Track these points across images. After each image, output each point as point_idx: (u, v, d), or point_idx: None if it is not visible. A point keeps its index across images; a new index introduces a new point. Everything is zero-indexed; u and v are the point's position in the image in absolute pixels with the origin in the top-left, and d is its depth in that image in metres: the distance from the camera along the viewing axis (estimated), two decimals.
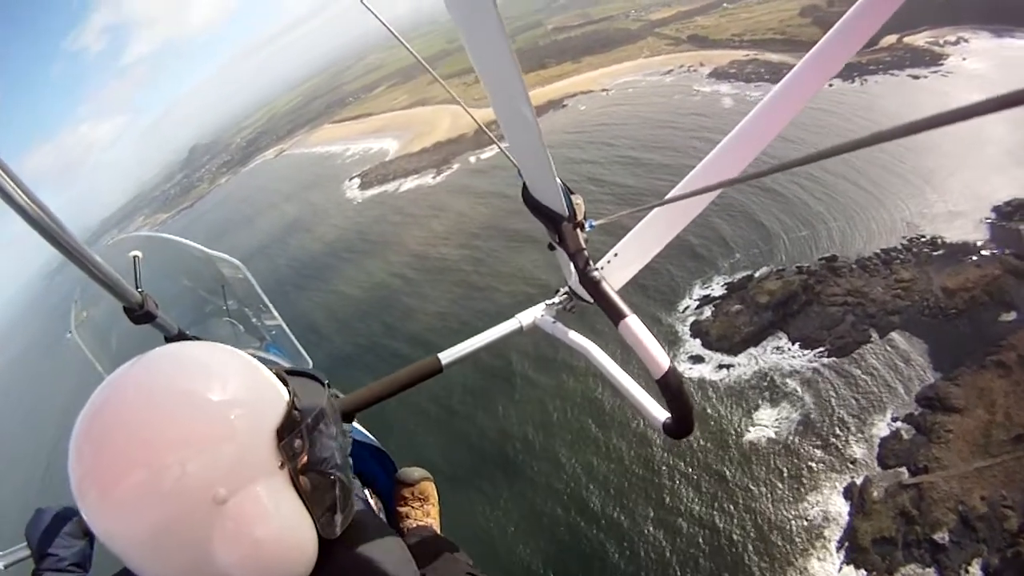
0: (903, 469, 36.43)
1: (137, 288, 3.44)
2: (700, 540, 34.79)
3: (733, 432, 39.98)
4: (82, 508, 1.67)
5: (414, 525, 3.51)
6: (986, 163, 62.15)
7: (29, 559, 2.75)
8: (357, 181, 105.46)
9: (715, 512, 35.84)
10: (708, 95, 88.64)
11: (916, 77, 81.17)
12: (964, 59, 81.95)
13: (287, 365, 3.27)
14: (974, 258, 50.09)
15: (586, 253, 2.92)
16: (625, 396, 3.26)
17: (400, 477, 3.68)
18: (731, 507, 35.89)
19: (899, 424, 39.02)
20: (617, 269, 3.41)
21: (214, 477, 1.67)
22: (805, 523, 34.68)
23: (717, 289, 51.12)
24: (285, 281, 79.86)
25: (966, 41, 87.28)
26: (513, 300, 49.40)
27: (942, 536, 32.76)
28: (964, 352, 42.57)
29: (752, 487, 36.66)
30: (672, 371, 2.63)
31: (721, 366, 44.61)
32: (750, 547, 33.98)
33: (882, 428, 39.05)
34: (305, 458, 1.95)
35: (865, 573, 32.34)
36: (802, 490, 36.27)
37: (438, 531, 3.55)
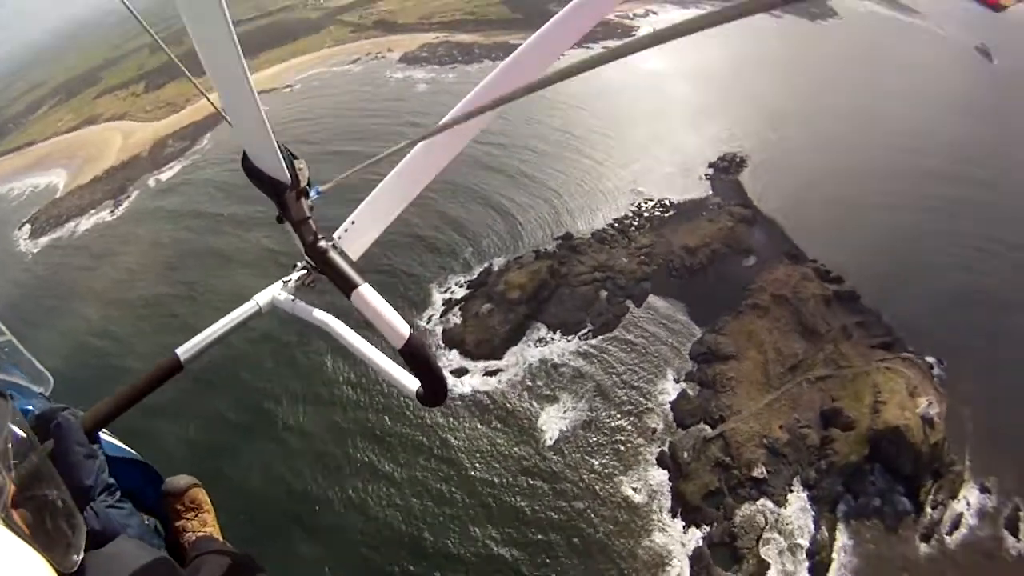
0: (702, 425, 38.72)
1: None
2: (553, 543, 33.60)
3: (534, 436, 38.85)
4: None
5: (194, 538, 3.35)
6: (685, 124, 69.38)
7: None
8: (28, 228, 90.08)
9: (551, 513, 34.92)
10: (401, 81, 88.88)
11: (606, 48, 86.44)
12: (652, 29, 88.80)
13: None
14: (704, 214, 55.44)
15: (312, 223, 2.92)
16: (375, 369, 3.25)
17: (167, 489, 3.55)
18: (565, 504, 35.22)
19: (683, 384, 41.34)
20: (356, 237, 3.46)
21: None
22: (636, 501, 35.31)
23: (458, 290, 48.81)
24: None
25: (655, 13, 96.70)
26: (262, 324, 44.05)
27: (760, 471, 35.93)
28: (720, 303, 46.52)
29: (574, 482, 36.34)
30: (413, 338, 2.69)
31: (488, 373, 42.60)
32: (599, 535, 33.82)
33: (670, 392, 41.02)
34: (13, 488, 1.76)
35: (708, 528, 33.98)
36: (619, 473, 36.77)
37: (219, 537, 3.43)
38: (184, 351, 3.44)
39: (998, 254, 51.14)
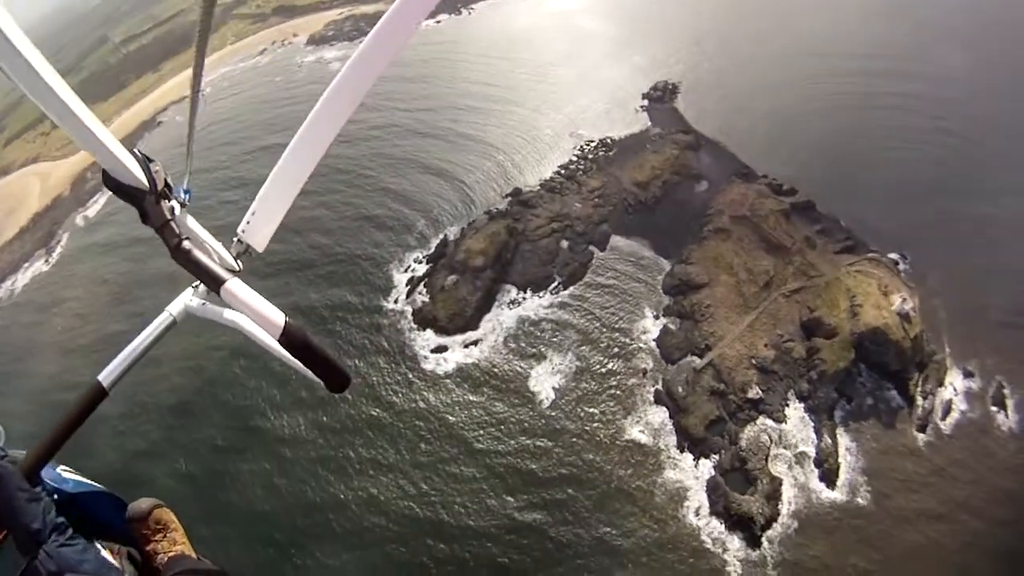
0: (690, 356, 39.01)
1: None
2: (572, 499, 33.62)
3: (529, 398, 38.51)
4: None
5: (166, 559, 3.38)
6: (608, 59, 69.29)
7: None
8: None
9: (563, 470, 34.84)
10: (314, 63, 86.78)
11: None
12: None
13: None
14: (648, 146, 55.35)
15: (173, 225, 2.86)
16: (288, 363, 3.18)
17: (130, 515, 3.55)
18: (575, 458, 35.26)
19: (663, 320, 41.58)
20: (260, 227, 3.47)
21: None
22: (643, 442, 35.54)
23: (419, 267, 47.48)
24: None
25: None
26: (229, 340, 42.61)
27: (755, 392, 36.60)
28: (682, 232, 46.85)
29: (579, 435, 36.30)
30: (289, 327, 2.59)
31: (468, 345, 41.92)
32: (615, 483, 33.97)
33: (651, 329, 41.24)
34: None
35: (717, 456, 34.49)
36: (620, 418, 36.87)
37: (192, 554, 3.46)
38: (106, 375, 3.40)
39: (938, 143, 52.14)
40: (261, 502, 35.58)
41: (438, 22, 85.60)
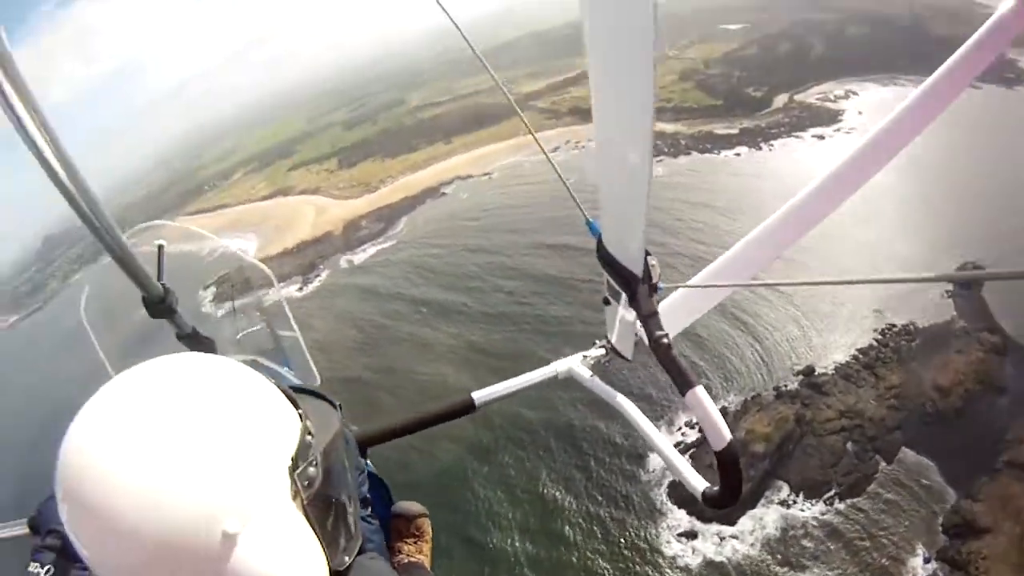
0: None
1: (159, 280, 3.53)
2: None
3: None
4: (68, 530, 1.56)
5: (406, 561, 3.45)
6: (905, 227, 64.63)
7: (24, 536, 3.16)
8: (212, 291, 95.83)
9: None
10: None
11: (821, 137, 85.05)
12: (860, 113, 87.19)
13: (297, 382, 3.70)
14: (952, 342, 49.76)
15: (660, 318, 2.88)
16: (663, 459, 3.30)
17: (398, 511, 3.61)
18: None
19: (934, 565, 36.64)
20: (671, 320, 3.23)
21: (224, 509, 1.56)
22: None
23: (689, 432, 44.51)
24: None
25: (855, 94, 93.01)
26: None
27: None
28: (975, 457, 41.09)
29: None
30: (732, 445, 2.67)
31: (722, 538, 39.16)
32: None
33: (920, 574, 36.44)
34: (316, 488, 1.88)
35: None
36: None
37: (429, 570, 3.51)
38: (480, 394, 3.61)
39: None
40: None
41: (737, 154, 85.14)
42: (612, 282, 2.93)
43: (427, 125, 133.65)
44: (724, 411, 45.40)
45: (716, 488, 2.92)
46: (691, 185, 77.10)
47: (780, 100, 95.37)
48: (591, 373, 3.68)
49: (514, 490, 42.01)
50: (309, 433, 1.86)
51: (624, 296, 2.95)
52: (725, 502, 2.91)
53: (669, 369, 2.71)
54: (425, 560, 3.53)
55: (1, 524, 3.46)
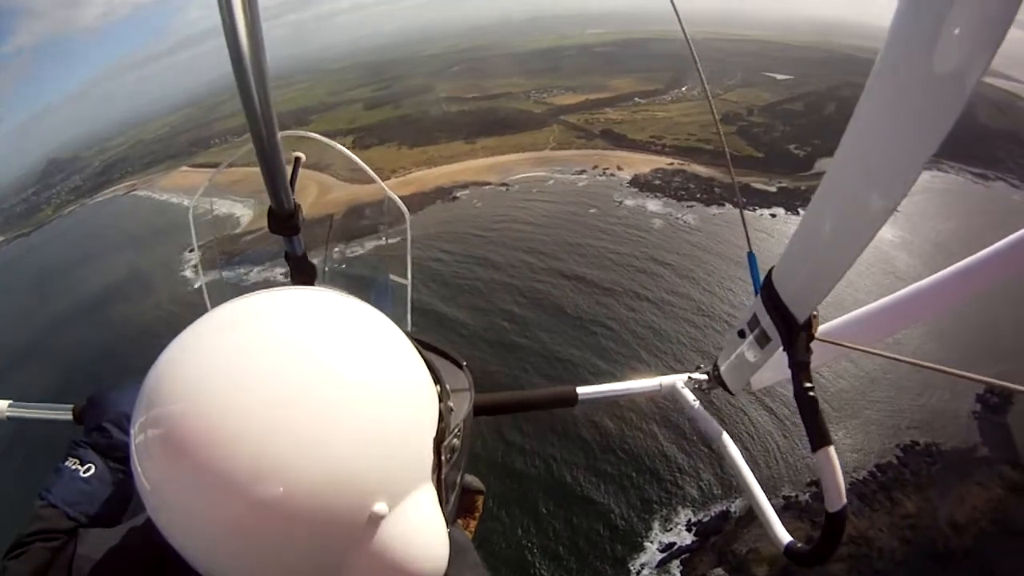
0: None
1: (292, 193, 3.25)
2: None
3: None
4: (156, 471, 1.34)
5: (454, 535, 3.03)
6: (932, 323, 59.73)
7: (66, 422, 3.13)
8: (198, 254, 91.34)
9: None
10: (633, 209, 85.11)
11: None
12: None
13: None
14: (974, 474, 46.91)
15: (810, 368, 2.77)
16: (752, 502, 3.23)
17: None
18: None
19: None
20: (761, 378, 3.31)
21: (377, 489, 1.41)
22: None
23: (684, 536, 42.00)
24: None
25: None
26: None
27: None
28: None
29: None
30: (845, 509, 2.62)
31: None
32: None
33: None
34: (453, 462, 1.85)
35: None
36: None
37: (470, 545, 2.92)
38: (583, 391, 3.57)
39: None
40: None
41: (773, 215, 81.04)
42: (764, 321, 2.67)
43: (452, 120, 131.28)
44: (725, 514, 43.02)
45: (804, 545, 2.76)
46: (723, 237, 73.59)
47: (822, 164, 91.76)
48: (694, 399, 3.51)
49: None
50: (448, 397, 1.72)
51: (752, 334, 2.79)
52: (814, 561, 2.72)
53: (809, 423, 2.54)
54: (469, 535, 3.25)
55: (45, 405, 3.34)
